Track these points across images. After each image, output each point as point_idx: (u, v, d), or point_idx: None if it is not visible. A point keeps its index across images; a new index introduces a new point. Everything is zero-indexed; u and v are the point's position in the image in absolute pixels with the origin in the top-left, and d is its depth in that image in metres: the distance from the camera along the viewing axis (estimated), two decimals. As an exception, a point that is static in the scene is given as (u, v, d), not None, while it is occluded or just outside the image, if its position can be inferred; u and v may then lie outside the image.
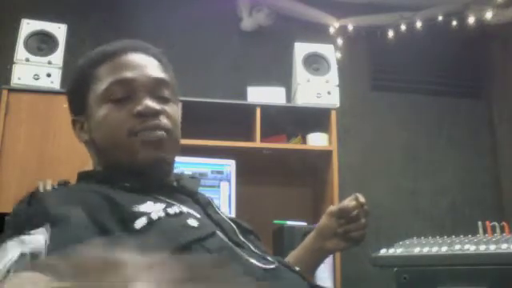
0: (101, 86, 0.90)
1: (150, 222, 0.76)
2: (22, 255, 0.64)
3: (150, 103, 0.89)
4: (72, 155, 2.43)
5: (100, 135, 0.91)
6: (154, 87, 0.92)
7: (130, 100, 0.89)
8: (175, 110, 0.95)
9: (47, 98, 2.52)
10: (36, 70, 2.53)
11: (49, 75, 2.54)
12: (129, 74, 0.90)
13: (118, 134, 0.88)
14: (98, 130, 0.91)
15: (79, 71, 0.95)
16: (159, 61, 0.97)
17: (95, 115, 0.90)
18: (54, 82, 2.54)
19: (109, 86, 0.89)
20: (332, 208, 1.15)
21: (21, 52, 2.53)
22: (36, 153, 2.43)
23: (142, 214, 0.76)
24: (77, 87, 0.95)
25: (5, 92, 2.46)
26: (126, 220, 0.75)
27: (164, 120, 0.90)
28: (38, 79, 2.52)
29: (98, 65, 0.93)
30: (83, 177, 0.95)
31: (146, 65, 0.93)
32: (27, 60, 2.53)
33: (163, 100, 0.92)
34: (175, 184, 0.94)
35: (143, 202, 0.79)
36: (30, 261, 0.62)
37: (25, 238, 0.67)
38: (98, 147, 0.92)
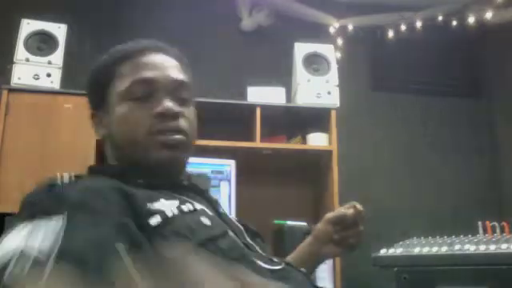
0: (123, 83, 0.92)
1: (165, 220, 0.76)
2: (23, 255, 0.61)
3: (170, 105, 0.91)
4: (72, 155, 2.43)
5: (119, 132, 0.92)
6: (174, 88, 0.94)
7: (151, 100, 0.92)
8: (193, 112, 0.97)
9: (47, 98, 2.52)
10: (36, 70, 2.52)
11: (49, 75, 2.53)
12: (150, 74, 0.93)
13: (137, 132, 0.90)
14: (117, 127, 0.92)
15: (101, 67, 0.97)
16: (180, 62, 0.99)
17: (115, 111, 0.92)
18: (54, 82, 2.54)
19: (131, 85, 0.92)
20: (329, 215, 1.16)
21: (21, 52, 2.53)
22: (36, 153, 2.43)
23: (156, 212, 0.76)
24: (98, 82, 0.97)
25: (5, 92, 2.46)
26: (141, 217, 0.75)
27: (183, 122, 0.92)
28: (37, 79, 2.52)
29: (120, 62, 0.95)
30: (95, 172, 0.96)
31: (167, 66, 0.96)
32: (27, 60, 2.53)
33: (182, 101, 0.94)
34: (186, 183, 0.96)
35: (157, 199, 0.80)
36: (32, 263, 0.60)
37: (36, 225, 0.65)
38: (115, 142, 0.94)
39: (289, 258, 1.17)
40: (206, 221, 0.80)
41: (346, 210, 1.13)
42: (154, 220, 0.75)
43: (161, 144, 0.89)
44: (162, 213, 0.77)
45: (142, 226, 0.74)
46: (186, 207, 0.81)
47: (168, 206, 0.79)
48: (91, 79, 0.99)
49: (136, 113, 0.90)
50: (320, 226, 1.16)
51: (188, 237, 0.75)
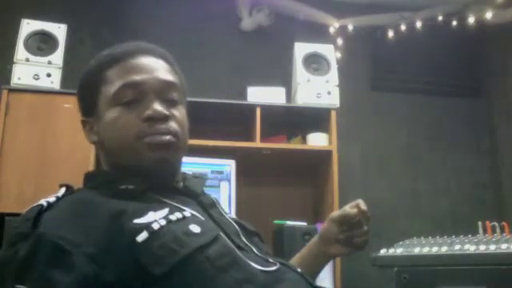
0: (111, 88, 0.91)
1: (152, 234, 0.75)
2: None
3: (159, 108, 0.89)
4: (72, 155, 2.43)
5: (108, 137, 0.91)
6: (163, 90, 0.92)
7: (139, 103, 0.90)
8: (183, 112, 0.96)
9: (47, 98, 2.51)
10: (36, 70, 2.52)
11: (49, 75, 2.53)
12: (138, 77, 0.91)
13: (126, 137, 0.88)
14: (106, 132, 0.91)
15: (89, 73, 0.96)
16: (168, 63, 0.98)
17: (105, 117, 0.91)
18: (54, 82, 2.54)
19: (118, 89, 0.90)
20: (333, 214, 1.15)
21: (21, 52, 2.53)
22: (36, 153, 2.43)
23: (143, 228, 0.76)
24: (87, 89, 0.96)
25: (5, 92, 2.46)
26: (128, 236, 0.75)
27: (173, 125, 0.91)
28: (38, 79, 2.52)
29: (107, 67, 0.93)
30: (89, 179, 0.95)
31: (155, 67, 0.94)
32: (27, 60, 2.53)
33: (171, 103, 0.93)
34: (180, 185, 0.95)
35: (145, 212, 0.79)
36: None
37: None
38: (106, 148, 0.93)
39: (295, 258, 1.17)
40: (195, 228, 0.79)
41: (351, 209, 1.12)
42: (141, 237, 0.75)
43: (151, 145, 0.88)
44: (148, 227, 0.76)
45: (131, 244, 0.74)
46: (175, 216, 0.80)
47: (155, 217, 0.78)
48: (80, 86, 0.98)
49: (125, 117, 0.89)
50: (325, 225, 1.16)
51: (175, 250, 0.74)
